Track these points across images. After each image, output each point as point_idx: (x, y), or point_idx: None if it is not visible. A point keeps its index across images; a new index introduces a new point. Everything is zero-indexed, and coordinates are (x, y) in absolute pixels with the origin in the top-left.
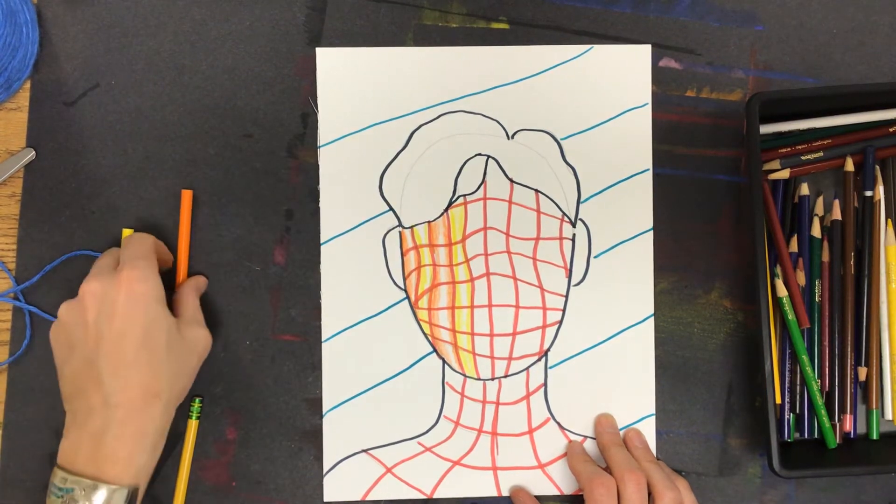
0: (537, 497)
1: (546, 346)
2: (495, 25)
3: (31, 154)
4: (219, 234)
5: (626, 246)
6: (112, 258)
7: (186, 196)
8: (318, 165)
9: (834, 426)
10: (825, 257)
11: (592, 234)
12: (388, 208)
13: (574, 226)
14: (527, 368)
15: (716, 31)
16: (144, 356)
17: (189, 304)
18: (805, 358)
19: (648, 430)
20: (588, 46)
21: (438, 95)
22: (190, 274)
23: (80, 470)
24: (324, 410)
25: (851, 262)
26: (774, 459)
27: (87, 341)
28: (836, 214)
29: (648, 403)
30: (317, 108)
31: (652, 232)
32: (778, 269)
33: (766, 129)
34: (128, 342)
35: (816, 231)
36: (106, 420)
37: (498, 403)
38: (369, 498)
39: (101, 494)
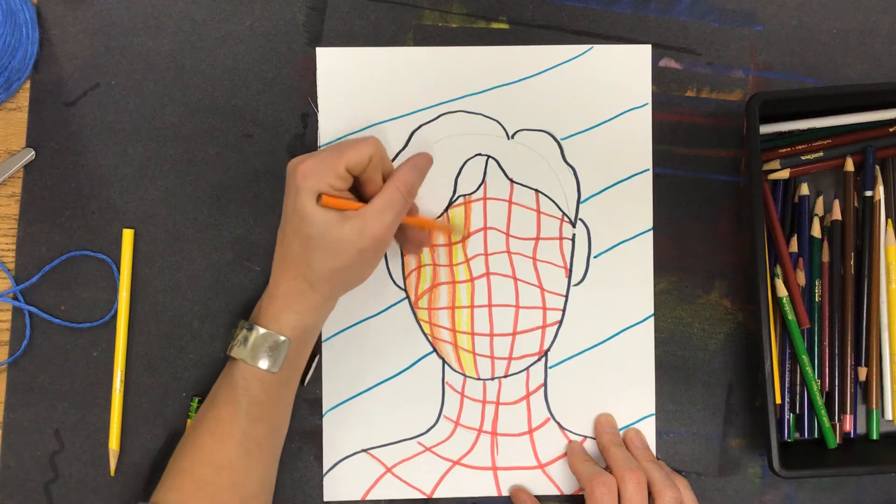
0: (537, 497)
1: (546, 346)
2: (495, 25)
3: (31, 154)
4: (219, 233)
5: (626, 246)
6: (338, 146)
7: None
8: None
9: (834, 426)
10: (825, 257)
11: (592, 234)
12: None
13: (574, 226)
14: (527, 368)
15: (716, 31)
16: (297, 245)
17: (378, 197)
18: (805, 358)
19: (648, 430)
20: (588, 46)
21: (438, 95)
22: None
23: (252, 320)
24: (324, 410)
25: (851, 262)
26: (774, 459)
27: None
28: (836, 214)
29: (648, 403)
30: (317, 108)
31: (652, 232)
32: (778, 269)
33: (766, 129)
34: (286, 232)
35: (816, 231)
36: (270, 289)
37: (498, 403)
38: (369, 498)
39: (255, 331)
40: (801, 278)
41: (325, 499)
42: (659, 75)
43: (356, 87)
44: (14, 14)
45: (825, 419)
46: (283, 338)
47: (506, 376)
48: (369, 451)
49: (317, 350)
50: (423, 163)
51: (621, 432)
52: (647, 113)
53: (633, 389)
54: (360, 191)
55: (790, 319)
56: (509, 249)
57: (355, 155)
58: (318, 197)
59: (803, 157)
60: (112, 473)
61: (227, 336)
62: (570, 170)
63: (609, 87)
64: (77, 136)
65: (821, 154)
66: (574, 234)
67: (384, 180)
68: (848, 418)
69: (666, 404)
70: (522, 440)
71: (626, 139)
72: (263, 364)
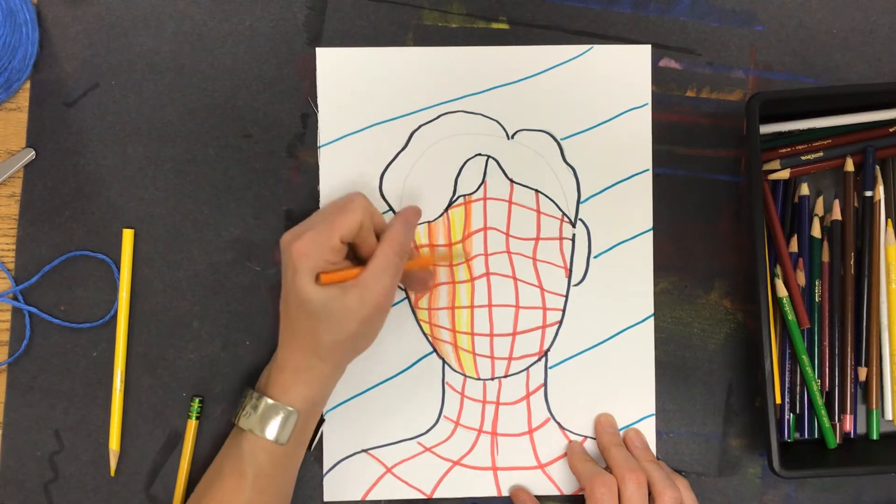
0: (537, 497)
1: (546, 346)
2: (495, 25)
3: (31, 154)
4: (219, 234)
5: (626, 246)
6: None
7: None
8: (318, 165)
9: (834, 426)
10: (825, 257)
11: (592, 234)
12: (388, 208)
13: (574, 226)
14: (527, 368)
15: (716, 31)
16: (301, 321)
17: (372, 262)
18: (805, 358)
19: (648, 430)
20: (588, 46)
21: (438, 95)
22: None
23: (260, 390)
24: (324, 410)
25: (851, 262)
26: (774, 459)
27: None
28: (836, 214)
29: (648, 403)
30: (317, 108)
31: (652, 232)
32: (778, 269)
33: (766, 129)
34: (289, 308)
35: (816, 231)
36: (279, 360)
37: (498, 403)
38: (369, 498)
39: (264, 402)
40: (801, 278)
41: (325, 499)
42: (659, 75)
43: (356, 87)
44: (14, 14)
45: (825, 419)
46: (291, 409)
47: (506, 376)
48: (369, 452)
49: (321, 418)
50: (413, 216)
51: (621, 432)
52: (647, 113)
53: (633, 389)
54: (354, 251)
55: (790, 319)
56: (509, 249)
57: (346, 225)
58: (317, 276)
59: (803, 157)
60: (112, 473)
61: (227, 337)
62: (570, 170)
63: (609, 87)
64: (77, 136)
65: (821, 154)
66: (574, 234)
67: (377, 235)
68: (848, 418)
69: (666, 404)
70: (522, 440)
71: (625, 139)
72: (271, 435)
